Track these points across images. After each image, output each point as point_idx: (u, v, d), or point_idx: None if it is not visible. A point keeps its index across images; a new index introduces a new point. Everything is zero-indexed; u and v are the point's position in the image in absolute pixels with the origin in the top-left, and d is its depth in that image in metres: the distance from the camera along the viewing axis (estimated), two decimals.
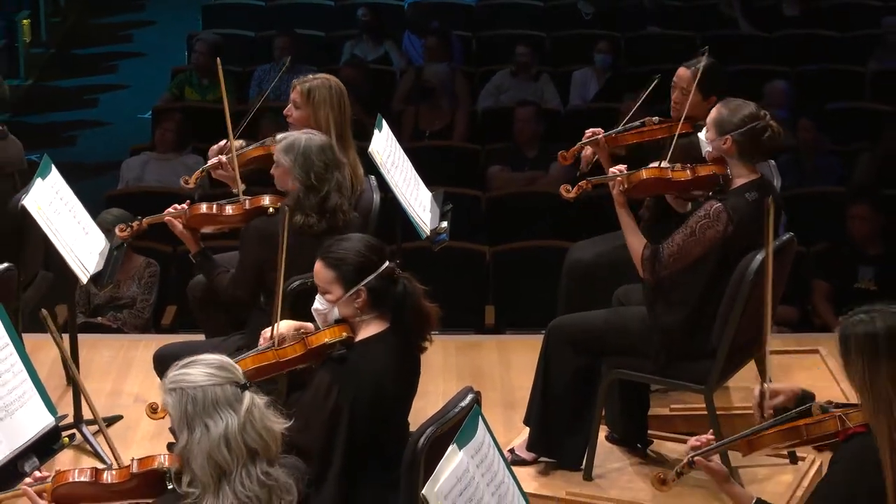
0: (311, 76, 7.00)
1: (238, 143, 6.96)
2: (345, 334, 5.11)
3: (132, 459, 4.39)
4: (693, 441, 4.80)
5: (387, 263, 5.14)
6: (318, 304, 5.22)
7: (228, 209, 6.51)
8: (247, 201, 6.47)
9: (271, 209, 6.32)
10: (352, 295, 5.09)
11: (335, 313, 5.16)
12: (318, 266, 5.16)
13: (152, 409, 5.23)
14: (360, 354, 5.07)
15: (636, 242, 6.19)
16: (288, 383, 5.60)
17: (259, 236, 6.24)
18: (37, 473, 4.55)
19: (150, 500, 4.40)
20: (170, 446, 4.36)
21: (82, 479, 4.38)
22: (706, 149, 6.25)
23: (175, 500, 4.10)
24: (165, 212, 6.55)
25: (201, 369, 4.17)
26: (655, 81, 6.96)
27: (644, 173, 6.25)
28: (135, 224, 6.72)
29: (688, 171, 6.23)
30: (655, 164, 6.32)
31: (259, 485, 4.09)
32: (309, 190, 6.11)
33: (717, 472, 4.68)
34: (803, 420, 4.66)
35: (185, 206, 6.54)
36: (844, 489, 4.37)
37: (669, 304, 6.15)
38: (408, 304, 5.15)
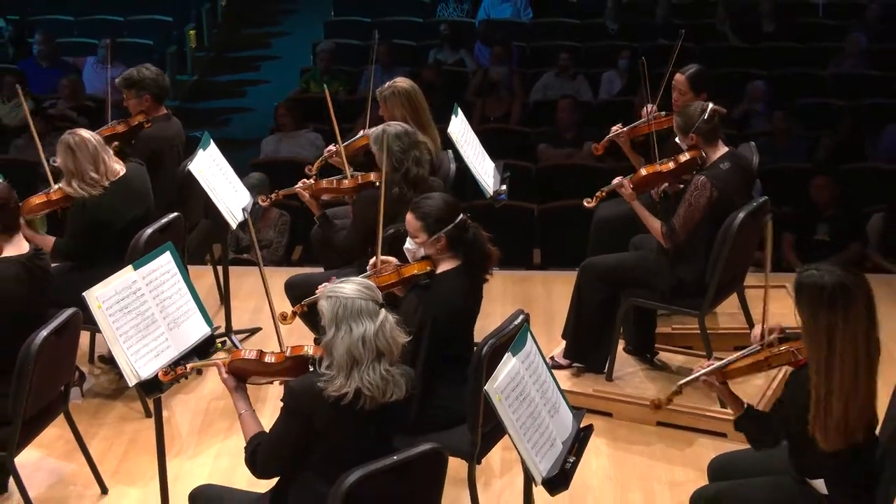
0: (387, 84, 6.95)
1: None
2: (428, 268, 5.13)
3: (286, 347, 4.48)
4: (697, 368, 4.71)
5: (461, 216, 5.13)
6: (409, 244, 5.24)
7: (345, 182, 6.49)
8: (359, 177, 6.46)
9: (377, 183, 6.26)
10: (434, 239, 5.10)
11: (421, 252, 5.17)
12: (409, 217, 5.16)
13: (283, 317, 5.29)
14: (438, 283, 5.08)
15: (654, 223, 6.18)
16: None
17: (368, 203, 6.19)
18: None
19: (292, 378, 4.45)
20: (316, 340, 4.39)
21: (249, 356, 4.50)
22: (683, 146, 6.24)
23: (313, 378, 4.15)
24: (297, 185, 6.56)
25: (353, 286, 4.19)
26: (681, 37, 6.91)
27: (642, 172, 6.23)
28: (273, 195, 6.80)
29: (671, 163, 6.18)
30: (648, 164, 6.31)
31: (380, 377, 4.13)
32: (395, 170, 6.08)
33: (715, 386, 4.65)
34: (764, 353, 4.61)
35: (311, 180, 6.57)
36: (801, 400, 4.32)
37: (687, 261, 6.13)
38: (476, 247, 5.14)
